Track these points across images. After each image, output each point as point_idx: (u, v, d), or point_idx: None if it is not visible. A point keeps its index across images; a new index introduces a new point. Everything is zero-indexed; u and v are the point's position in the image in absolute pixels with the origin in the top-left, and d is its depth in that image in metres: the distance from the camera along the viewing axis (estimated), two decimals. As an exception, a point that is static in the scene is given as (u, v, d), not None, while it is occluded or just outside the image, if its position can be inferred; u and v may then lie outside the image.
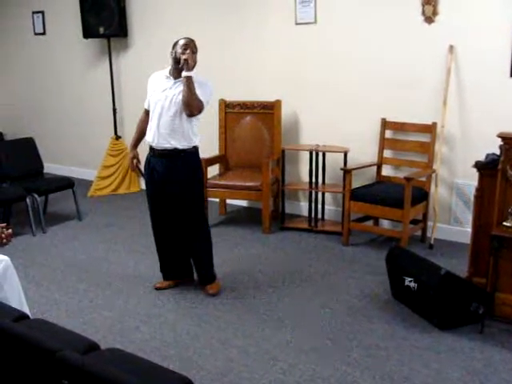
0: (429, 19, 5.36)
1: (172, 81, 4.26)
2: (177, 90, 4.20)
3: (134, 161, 4.63)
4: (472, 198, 4.45)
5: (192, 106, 4.13)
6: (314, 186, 5.87)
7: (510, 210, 3.87)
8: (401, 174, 5.47)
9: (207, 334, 3.90)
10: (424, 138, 5.48)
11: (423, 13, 5.37)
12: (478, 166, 4.24)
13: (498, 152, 4.03)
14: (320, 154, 5.84)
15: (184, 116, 4.20)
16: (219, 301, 4.38)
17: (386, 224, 5.86)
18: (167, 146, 4.26)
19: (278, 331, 3.93)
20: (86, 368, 2.04)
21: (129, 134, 7.46)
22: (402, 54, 5.54)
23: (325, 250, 5.41)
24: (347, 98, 5.89)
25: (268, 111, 6.17)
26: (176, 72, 4.23)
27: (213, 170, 6.17)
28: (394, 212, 5.17)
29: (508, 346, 3.70)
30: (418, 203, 5.30)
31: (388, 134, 5.71)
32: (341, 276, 4.82)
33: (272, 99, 6.10)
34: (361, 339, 3.82)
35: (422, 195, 5.39)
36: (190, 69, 4.10)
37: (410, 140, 5.60)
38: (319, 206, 6.02)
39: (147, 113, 4.47)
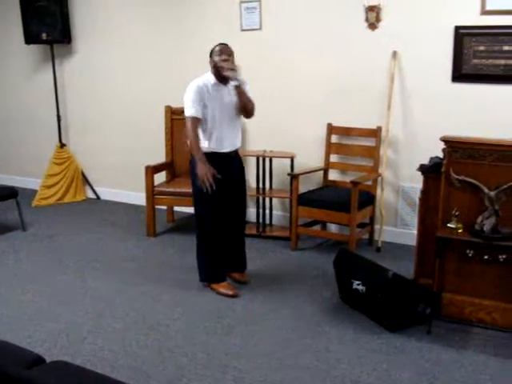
0: (372, 25, 5.44)
1: (225, 87, 4.40)
2: (232, 96, 4.38)
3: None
4: (417, 201, 4.52)
5: (253, 110, 4.48)
6: (261, 191, 5.88)
7: (453, 211, 3.94)
8: (347, 179, 5.53)
9: (156, 342, 3.85)
10: (369, 142, 5.55)
11: (367, 19, 5.45)
12: (423, 169, 4.31)
13: (441, 155, 4.11)
14: (267, 160, 5.85)
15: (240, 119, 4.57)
16: (168, 309, 4.33)
17: (333, 228, 5.91)
18: (236, 147, 4.59)
19: (228, 338, 3.91)
20: (31, 383, 1.98)
21: (73, 141, 7.40)
22: (347, 59, 5.61)
23: (273, 255, 5.41)
24: (293, 103, 5.93)
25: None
26: (221, 79, 4.36)
27: (159, 178, 6.12)
28: (341, 216, 5.21)
29: (455, 345, 3.76)
30: (364, 207, 5.36)
31: (334, 138, 5.77)
32: (289, 281, 4.82)
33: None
34: (310, 343, 3.82)
35: (368, 199, 5.45)
36: (233, 77, 4.23)
37: (355, 144, 5.67)
38: (267, 212, 6.03)
39: (198, 121, 4.37)
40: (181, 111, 6.14)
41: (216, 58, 4.31)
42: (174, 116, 6.23)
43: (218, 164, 4.38)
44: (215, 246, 4.59)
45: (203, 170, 4.28)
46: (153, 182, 5.83)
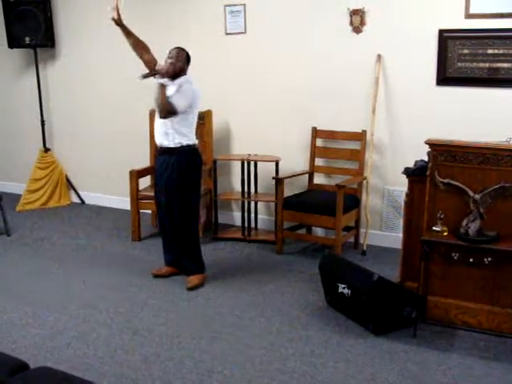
0: (357, 29, 5.45)
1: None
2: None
3: None
4: (402, 204, 4.52)
5: (162, 112, 4.52)
6: (246, 195, 5.87)
7: (438, 214, 3.94)
8: (332, 182, 5.53)
9: (141, 347, 3.83)
10: (354, 145, 5.56)
11: (351, 23, 5.46)
12: (408, 172, 4.32)
13: (426, 158, 4.12)
14: (252, 164, 5.84)
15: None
16: (152, 313, 4.31)
17: (319, 232, 5.91)
18: (161, 144, 4.71)
19: (214, 342, 3.89)
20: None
21: (58, 146, 7.35)
22: (332, 63, 5.61)
23: (259, 259, 5.41)
24: (278, 107, 5.92)
25: (199, 121, 6.11)
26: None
27: (144, 182, 6.09)
28: (327, 220, 5.21)
29: (441, 348, 3.77)
30: (349, 210, 5.36)
31: (319, 142, 5.77)
32: (275, 285, 4.81)
33: (203, 109, 6.07)
34: (296, 347, 3.82)
35: (353, 202, 5.46)
36: (162, 76, 4.53)
37: (340, 148, 5.67)
38: (252, 216, 6.02)
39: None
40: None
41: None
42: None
43: (156, 159, 4.81)
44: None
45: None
46: (137, 187, 5.80)
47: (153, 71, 4.60)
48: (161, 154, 4.72)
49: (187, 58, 4.72)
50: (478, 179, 3.88)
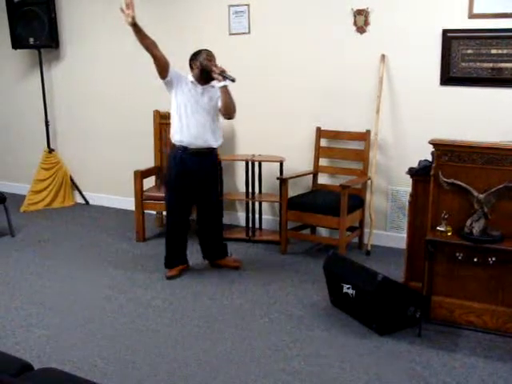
0: (361, 29, 5.45)
1: (200, 87, 4.75)
2: (206, 98, 4.75)
3: None
4: (407, 204, 4.52)
5: (235, 110, 4.79)
6: (250, 196, 5.87)
7: (443, 214, 3.94)
8: (337, 182, 5.53)
9: (146, 348, 3.83)
10: (359, 145, 5.56)
11: (355, 23, 5.46)
12: (412, 172, 4.31)
13: (430, 158, 4.12)
14: (256, 164, 5.85)
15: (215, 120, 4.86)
16: (157, 314, 4.31)
17: (323, 232, 5.91)
18: (207, 146, 4.82)
19: (219, 343, 3.90)
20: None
21: (62, 146, 7.37)
22: (336, 63, 5.61)
23: (263, 259, 5.41)
24: (282, 107, 5.93)
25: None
26: (203, 80, 4.74)
27: (149, 182, 6.10)
28: (331, 220, 5.21)
29: (445, 348, 3.77)
30: (354, 210, 5.36)
31: (323, 142, 5.77)
32: (279, 285, 4.82)
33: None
34: (301, 348, 3.82)
35: (358, 202, 5.46)
36: (223, 79, 4.60)
37: (344, 148, 5.67)
38: (256, 216, 6.03)
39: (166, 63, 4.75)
40: (167, 115, 6.16)
41: (205, 62, 4.69)
42: (163, 120, 6.21)
43: (187, 159, 4.78)
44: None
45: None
46: (142, 187, 5.81)
47: (231, 78, 4.63)
48: (197, 154, 4.79)
49: None
50: (482, 179, 3.87)
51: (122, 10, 4.46)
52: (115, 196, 7.13)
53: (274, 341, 3.92)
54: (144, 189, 5.87)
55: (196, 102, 4.72)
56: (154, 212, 6.34)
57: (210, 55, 4.74)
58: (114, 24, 6.70)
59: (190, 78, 4.75)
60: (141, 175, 5.80)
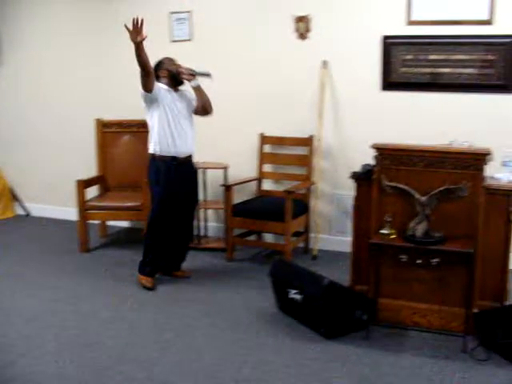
0: (302, 36, 5.51)
1: (175, 94, 4.74)
2: (184, 103, 4.77)
3: None
4: (351, 208, 4.56)
5: (211, 107, 4.88)
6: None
7: (386, 217, 3.99)
8: (281, 188, 5.55)
9: (92, 362, 3.73)
10: (302, 151, 5.60)
11: (297, 29, 5.51)
12: (355, 176, 4.35)
13: (373, 162, 4.17)
14: (200, 171, 5.81)
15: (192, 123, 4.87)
16: (103, 326, 4.22)
17: (269, 238, 5.92)
18: (190, 152, 4.84)
19: (167, 353, 3.84)
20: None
21: (1, 156, 7.17)
22: (278, 69, 5.65)
23: (210, 266, 5.38)
24: (225, 114, 5.90)
25: (146, 129, 6.03)
26: (174, 86, 4.75)
27: (92, 192, 6.00)
28: (276, 225, 5.23)
29: (392, 349, 3.81)
30: (299, 215, 5.39)
31: (267, 148, 5.79)
32: (227, 292, 4.80)
33: (150, 117, 6.03)
34: (250, 355, 3.80)
35: (302, 207, 5.49)
36: (193, 79, 4.75)
37: (288, 154, 5.70)
38: (202, 223, 5.99)
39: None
40: (111, 124, 6.11)
41: (172, 67, 4.74)
42: (105, 129, 6.14)
43: (174, 169, 4.72)
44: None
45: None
46: (84, 197, 5.71)
47: (205, 72, 4.78)
48: (184, 162, 4.79)
49: None
50: (423, 182, 3.94)
51: (130, 28, 4.53)
52: (58, 206, 6.99)
53: (222, 349, 3.89)
54: (87, 198, 5.76)
55: (177, 109, 4.70)
56: (98, 222, 6.23)
57: (172, 60, 4.78)
58: (53, 32, 6.59)
59: (163, 85, 4.71)
60: (83, 185, 5.70)
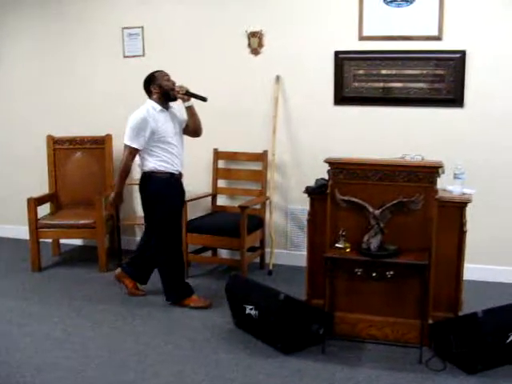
0: (255, 51, 5.54)
1: (167, 112, 4.63)
2: (176, 121, 4.68)
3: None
4: (306, 223, 4.57)
5: (201, 128, 4.81)
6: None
7: (340, 231, 4.01)
8: (236, 203, 5.54)
9: (43, 382, 3.66)
10: (256, 166, 5.60)
11: (249, 45, 5.53)
12: (309, 191, 4.37)
13: (326, 177, 4.19)
14: (155, 187, 5.76)
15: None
16: (56, 346, 4.12)
17: (224, 253, 5.89)
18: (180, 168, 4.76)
19: (122, 372, 3.77)
20: None
21: None
22: (232, 84, 5.65)
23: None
24: (179, 129, 5.89)
25: (99, 146, 6.03)
26: (165, 103, 4.63)
27: (43, 210, 5.89)
28: (231, 241, 5.21)
29: (349, 363, 3.82)
30: (254, 231, 5.38)
31: (221, 163, 5.78)
32: (182, 310, 4.74)
33: (103, 134, 5.97)
34: (207, 372, 3.76)
35: (257, 222, 5.48)
36: (186, 99, 4.62)
37: (242, 169, 5.70)
38: (157, 240, 5.93)
39: (136, 152, 4.59)
40: (63, 140, 6.02)
41: (164, 83, 4.59)
42: (57, 146, 6.05)
43: (177, 185, 4.73)
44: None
45: (116, 200, 4.79)
46: (36, 215, 5.60)
47: (200, 96, 4.67)
48: (179, 178, 4.77)
49: None
50: (377, 195, 3.98)
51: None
52: (8, 225, 6.83)
53: (179, 367, 3.84)
54: (39, 216, 5.65)
55: (171, 128, 4.62)
56: (50, 240, 6.11)
57: (166, 75, 4.64)
58: (5, 47, 6.48)
59: (156, 105, 4.57)
60: (35, 202, 5.59)
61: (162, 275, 4.82)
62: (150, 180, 4.64)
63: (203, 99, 4.62)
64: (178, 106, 4.78)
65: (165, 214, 4.66)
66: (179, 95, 4.56)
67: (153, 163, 4.60)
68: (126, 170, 4.64)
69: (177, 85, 4.60)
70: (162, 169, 4.60)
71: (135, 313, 4.69)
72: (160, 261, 4.79)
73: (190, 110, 4.66)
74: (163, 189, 4.64)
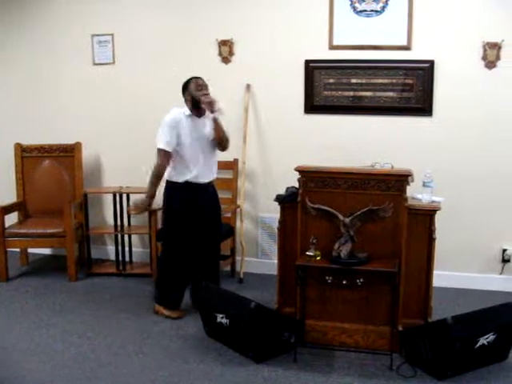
0: (225, 59, 5.54)
1: (198, 120, 4.54)
2: (207, 128, 4.53)
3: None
4: (276, 231, 4.58)
5: (227, 143, 4.64)
6: (119, 228, 5.74)
7: (311, 239, 4.02)
8: (207, 212, 5.51)
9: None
10: (227, 174, 5.59)
11: (220, 53, 5.54)
12: (279, 199, 4.38)
13: (297, 185, 4.20)
14: (124, 196, 5.73)
15: (215, 151, 4.66)
16: (23, 358, 4.03)
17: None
18: (209, 179, 4.63)
19: (90, 383, 3.73)
20: None
21: None
22: (202, 93, 5.64)
23: (135, 293, 5.28)
24: (149, 138, 5.82)
25: (68, 154, 5.97)
26: (196, 111, 4.53)
27: (11, 218, 5.81)
28: (203, 249, 5.19)
29: (321, 370, 3.82)
30: (225, 239, 5.37)
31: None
32: (153, 319, 4.71)
33: (72, 141, 5.92)
34: (178, 381, 3.73)
35: (228, 231, 5.48)
36: (214, 110, 4.41)
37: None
38: (126, 249, 5.89)
39: (170, 155, 4.49)
40: (31, 148, 5.94)
41: (195, 93, 4.47)
42: (25, 154, 5.97)
43: (194, 195, 4.55)
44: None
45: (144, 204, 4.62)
46: (3, 224, 5.52)
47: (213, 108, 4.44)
48: (208, 188, 4.66)
49: None
50: (347, 203, 4.00)
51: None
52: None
53: (149, 376, 3.80)
54: (6, 225, 5.57)
55: (197, 136, 4.51)
56: (18, 250, 6.03)
57: (199, 83, 4.52)
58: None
59: (187, 111, 4.53)
60: (2, 211, 5.51)
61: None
62: (179, 190, 4.60)
63: (218, 113, 4.46)
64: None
65: (165, 222, 4.77)
66: (203, 105, 4.42)
67: (167, 171, 4.58)
68: (158, 174, 4.53)
69: (205, 99, 4.41)
70: (171, 177, 4.58)
71: (105, 323, 4.64)
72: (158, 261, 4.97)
73: (214, 122, 4.47)
74: (166, 197, 4.66)
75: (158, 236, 5.25)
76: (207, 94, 4.46)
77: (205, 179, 4.59)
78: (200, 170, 4.55)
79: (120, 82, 5.91)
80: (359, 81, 5.27)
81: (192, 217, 4.58)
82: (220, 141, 4.58)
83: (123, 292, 5.30)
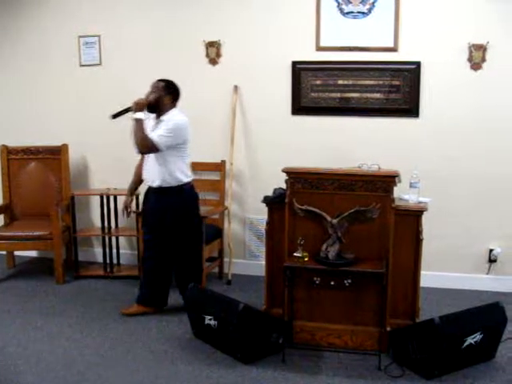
0: (213, 61, 5.54)
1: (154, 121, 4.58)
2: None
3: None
4: (264, 232, 4.58)
5: (141, 146, 4.43)
6: (106, 230, 5.72)
7: (299, 240, 4.02)
8: (194, 213, 5.51)
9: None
10: (214, 176, 5.60)
11: (207, 55, 5.54)
12: (267, 200, 4.38)
13: (284, 186, 4.20)
14: (111, 198, 5.71)
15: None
16: (10, 361, 4.01)
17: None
18: (155, 183, 4.62)
19: (79, 385, 3.73)
20: None
21: None
22: (189, 94, 5.58)
23: (123, 295, 5.25)
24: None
25: (55, 156, 5.94)
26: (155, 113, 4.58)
27: (-2, 221, 5.79)
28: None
29: (309, 371, 3.83)
30: (212, 240, 5.37)
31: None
32: (142, 320, 4.70)
33: (59, 143, 5.89)
34: (166, 383, 3.73)
35: (216, 232, 5.48)
36: (136, 110, 4.42)
37: (200, 179, 5.67)
38: (114, 251, 5.87)
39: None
40: (17, 150, 5.91)
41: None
42: (11, 156, 5.94)
43: (150, 197, 4.72)
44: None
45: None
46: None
47: (125, 108, 4.49)
48: (149, 191, 4.72)
49: (168, 89, 4.58)
50: (334, 204, 4.01)
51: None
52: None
53: (137, 378, 3.79)
54: (-8, 228, 5.56)
55: None
56: (4, 252, 6.00)
57: (151, 86, 4.61)
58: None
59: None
60: (-13, 214, 5.49)
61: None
62: (184, 193, 4.69)
63: (129, 109, 4.49)
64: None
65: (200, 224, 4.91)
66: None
67: (180, 174, 4.63)
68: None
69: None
70: (182, 180, 4.63)
71: (93, 325, 4.62)
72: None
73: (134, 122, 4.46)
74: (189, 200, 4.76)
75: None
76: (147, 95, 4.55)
77: (149, 182, 4.68)
78: (151, 173, 4.62)
79: (107, 84, 5.89)
80: (346, 82, 5.28)
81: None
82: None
83: (111, 294, 5.28)
